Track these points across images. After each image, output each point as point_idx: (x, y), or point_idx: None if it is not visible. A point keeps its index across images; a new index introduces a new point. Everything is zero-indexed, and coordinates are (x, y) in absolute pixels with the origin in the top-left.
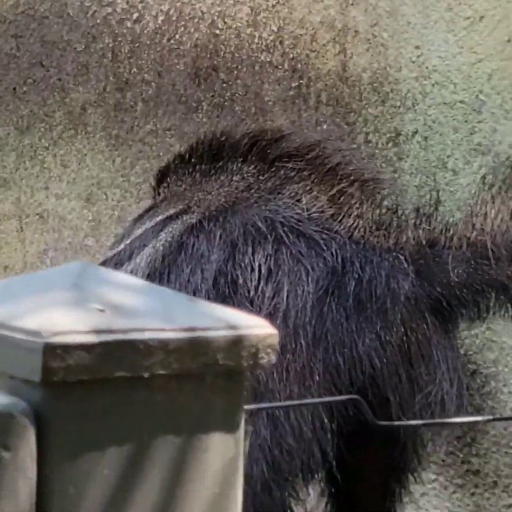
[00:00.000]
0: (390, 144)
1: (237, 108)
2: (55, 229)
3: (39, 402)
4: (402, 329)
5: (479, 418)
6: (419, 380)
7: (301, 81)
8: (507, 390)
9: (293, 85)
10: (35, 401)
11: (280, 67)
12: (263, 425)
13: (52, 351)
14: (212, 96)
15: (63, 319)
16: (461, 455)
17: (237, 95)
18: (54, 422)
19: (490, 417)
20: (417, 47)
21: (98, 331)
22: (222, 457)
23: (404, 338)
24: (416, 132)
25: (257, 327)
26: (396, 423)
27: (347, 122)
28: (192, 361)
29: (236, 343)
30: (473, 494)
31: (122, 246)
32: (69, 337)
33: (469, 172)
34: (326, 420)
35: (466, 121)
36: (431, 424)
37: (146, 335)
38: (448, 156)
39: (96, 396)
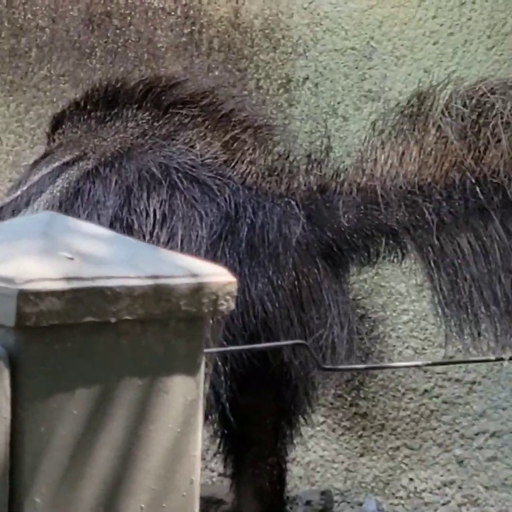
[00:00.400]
0: (281, 91)
1: (130, 54)
2: None
3: (13, 345)
4: (294, 274)
5: (419, 363)
6: (310, 323)
7: (193, 28)
8: (395, 334)
9: (186, 31)
10: (8, 344)
11: (172, 13)
12: None
13: (25, 297)
14: (106, 42)
15: (34, 266)
16: (349, 398)
17: (130, 41)
18: (27, 364)
19: (429, 361)
20: None
21: (68, 278)
22: (183, 399)
23: (296, 282)
24: (307, 78)
25: (217, 275)
26: (340, 367)
27: (238, 68)
28: (156, 307)
29: (198, 290)
30: (360, 436)
31: (19, 192)
32: (41, 284)
33: (359, 118)
34: (219, 363)
35: (356, 68)
36: (373, 368)
37: (113, 282)
38: (338, 103)
39: (66, 340)
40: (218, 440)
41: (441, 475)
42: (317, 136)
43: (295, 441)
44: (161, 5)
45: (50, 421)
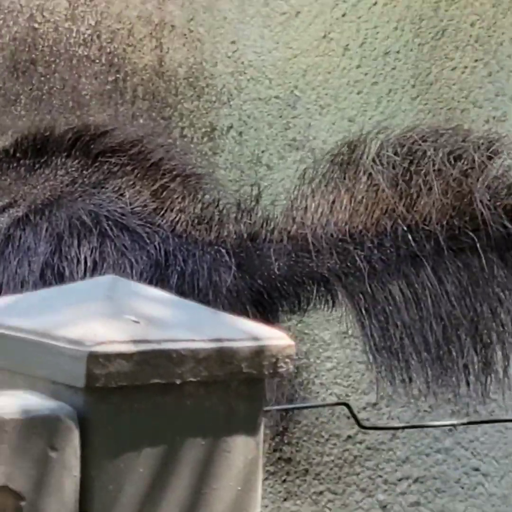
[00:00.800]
0: (205, 139)
1: (55, 102)
2: None
3: (82, 406)
4: None
5: (455, 422)
6: None
7: (118, 75)
8: (318, 381)
9: (110, 79)
10: (78, 405)
11: (97, 61)
12: None
13: (95, 359)
14: (31, 89)
15: (102, 329)
16: (273, 443)
17: (55, 88)
18: (96, 424)
19: (465, 420)
20: (233, 42)
21: (135, 341)
22: (244, 458)
23: None
24: (231, 127)
25: (277, 339)
26: (380, 427)
27: (163, 116)
28: (219, 369)
29: (259, 353)
30: (284, 481)
31: None
32: (110, 346)
33: (284, 167)
34: None
35: (281, 116)
36: (411, 427)
37: (179, 345)
38: (262, 151)
39: (133, 401)
40: None
41: None
42: (242, 185)
43: None
44: (85, 53)
45: (117, 479)
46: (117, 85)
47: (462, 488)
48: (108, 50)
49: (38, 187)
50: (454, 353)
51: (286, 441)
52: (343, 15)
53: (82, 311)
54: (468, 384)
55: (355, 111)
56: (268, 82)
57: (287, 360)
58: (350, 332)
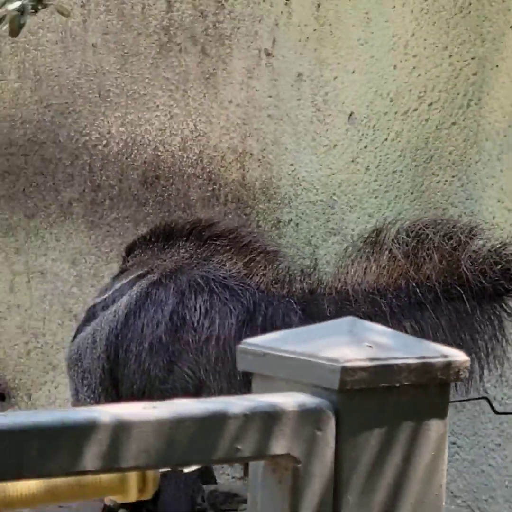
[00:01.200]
0: (273, 228)
1: (172, 204)
2: (51, 281)
3: (336, 401)
4: None
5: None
6: None
7: (214, 186)
8: None
9: (209, 189)
10: (333, 401)
11: (200, 177)
12: None
13: (346, 371)
14: (156, 195)
15: (349, 352)
16: None
17: (172, 195)
18: (345, 414)
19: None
20: (291, 164)
21: (370, 359)
22: (437, 434)
23: None
24: (290, 220)
25: (458, 356)
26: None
27: (244, 213)
28: (422, 376)
29: (447, 366)
30: None
31: (106, 295)
32: (354, 363)
33: (326, 246)
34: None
35: (324, 213)
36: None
37: (398, 361)
38: (311, 236)
39: (369, 399)
40: None
41: None
42: (299, 258)
43: None
44: (192, 171)
45: (358, 450)
46: (214, 193)
47: None
48: (208, 169)
49: (167, 260)
50: None
51: None
52: (365, 147)
53: (334, 340)
54: (455, 387)
55: (373, 210)
56: (315, 191)
57: (464, 369)
58: None
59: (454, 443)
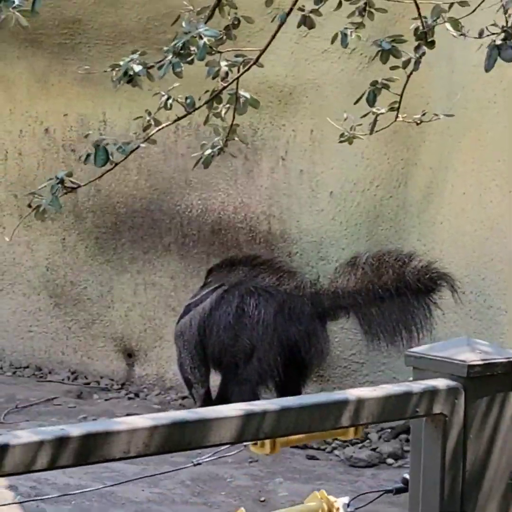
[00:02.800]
0: (287, 257)
1: (228, 244)
2: (159, 289)
3: (464, 384)
4: (306, 323)
5: None
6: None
7: (253, 234)
8: None
9: (250, 235)
10: (463, 383)
11: (244, 228)
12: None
13: (469, 366)
14: (219, 239)
15: (469, 355)
16: None
17: (228, 239)
18: (469, 391)
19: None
20: (297, 221)
21: (481, 359)
22: None
23: (308, 327)
24: (297, 252)
25: None
26: None
27: (271, 249)
28: (508, 368)
29: None
30: None
31: (197, 298)
32: (473, 361)
33: (318, 267)
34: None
35: (316, 248)
36: None
37: (495, 360)
38: (309, 261)
39: (482, 381)
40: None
41: None
42: (309, 274)
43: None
44: (240, 226)
45: (480, 419)
46: (253, 237)
47: None
48: (249, 224)
49: (232, 278)
50: (401, 328)
51: None
52: (339, 210)
53: (460, 349)
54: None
55: (344, 246)
56: (311, 235)
57: None
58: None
59: None
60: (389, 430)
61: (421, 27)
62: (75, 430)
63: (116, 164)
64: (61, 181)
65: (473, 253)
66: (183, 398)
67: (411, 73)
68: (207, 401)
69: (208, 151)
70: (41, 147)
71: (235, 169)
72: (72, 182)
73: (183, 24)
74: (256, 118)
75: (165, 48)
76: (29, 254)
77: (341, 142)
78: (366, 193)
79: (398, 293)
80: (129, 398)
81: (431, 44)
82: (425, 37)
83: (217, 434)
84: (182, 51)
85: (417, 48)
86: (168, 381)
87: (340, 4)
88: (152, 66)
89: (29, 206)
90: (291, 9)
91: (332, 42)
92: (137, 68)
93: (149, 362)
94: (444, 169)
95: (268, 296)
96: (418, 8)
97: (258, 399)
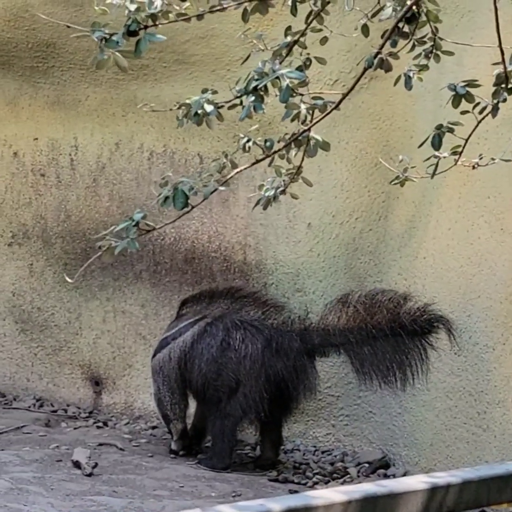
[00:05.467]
0: (262, 288)
1: (202, 273)
2: (128, 317)
3: None
4: (293, 360)
5: None
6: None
7: (227, 263)
8: None
9: (224, 265)
10: None
11: (219, 258)
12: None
13: None
14: (192, 268)
15: None
16: None
17: (202, 268)
18: None
19: None
20: (274, 251)
21: None
22: None
23: (295, 363)
24: (272, 283)
25: None
26: None
27: (245, 279)
28: None
29: None
30: None
31: (174, 330)
32: None
33: (293, 298)
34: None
35: (292, 279)
36: None
37: None
38: (285, 292)
39: None
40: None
41: None
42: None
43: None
44: (214, 255)
45: None
46: (227, 267)
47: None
48: (224, 254)
49: (215, 310)
50: (395, 368)
51: None
52: (317, 242)
53: None
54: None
55: (321, 278)
56: (287, 267)
57: None
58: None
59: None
60: (366, 465)
61: (503, 73)
62: (276, 505)
63: (193, 207)
64: (137, 224)
65: (459, 289)
66: (153, 428)
67: (483, 118)
68: (184, 435)
69: (270, 193)
70: (10, 171)
71: (210, 198)
72: (147, 224)
73: (259, 64)
74: (233, 147)
75: (237, 88)
76: None
77: (394, 184)
78: (345, 225)
79: (393, 333)
80: (98, 427)
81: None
82: (506, 82)
83: (405, 508)
84: (262, 92)
85: (495, 94)
86: (136, 410)
87: (413, 47)
88: (222, 106)
89: (99, 248)
90: (377, 53)
91: (395, 84)
92: (209, 108)
93: (118, 391)
94: (428, 204)
95: (255, 331)
96: (502, 54)
97: (236, 435)
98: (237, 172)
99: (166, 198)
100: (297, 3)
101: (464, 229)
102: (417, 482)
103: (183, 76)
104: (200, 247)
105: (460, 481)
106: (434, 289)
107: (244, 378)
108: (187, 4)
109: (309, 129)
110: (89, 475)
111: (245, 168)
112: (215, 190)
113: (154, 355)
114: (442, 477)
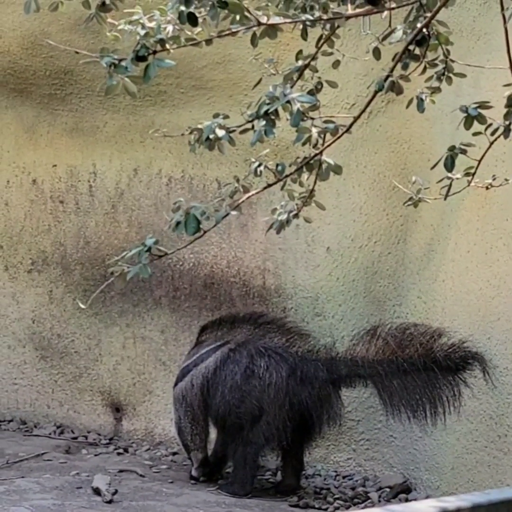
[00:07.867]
0: (281, 313)
1: (221, 298)
2: (148, 343)
3: None
4: (318, 388)
5: None
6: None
7: (246, 288)
8: None
9: (243, 290)
10: None
11: (238, 283)
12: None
13: None
14: (212, 293)
15: None
16: None
17: (221, 293)
18: None
19: None
20: (293, 276)
21: None
22: None
23: (320, 392)
24: (292, 307)
25: None
26: None
27: (265, 304)
28: None
29: None
30: None
31: (194, 358)
32: None
33: (313, 323)
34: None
35: (311, 304)
36: None
37: None
38: (304, 317)
39: None
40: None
41: None
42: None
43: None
44: (233, 280)
45: None
46: (246, 292)
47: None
48: (243, 278)
49: (237, 336)
50: (425, 403)
51: None
52: (336, 266)
53: None
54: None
55: (340, 302)
56: (307, 291)
57: None
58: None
59: None
60: (388, 489)
61: None
62: None
63: (205, 232)
64: (149, 249)
65: (478, 312)
66: (174, 454)
67: (495, 140)
68: (205, 462)
69: (283, 217)
70: (28, 198)
71: (229, 223)
72: (158, 249)
73: (270, 88)
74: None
75: (249, 112)
76: (14, 306)
77: (407, 205)
78: (364, 249)
79: (425, 368)
80: (119, 454)
81: None
82: None
83: None
84: (273, 117)
85: (507, 115)
86: (157, 436)
87: (424, 69)
88: (233, 131)
89: (112, 273)
90: (388, 76)
91: (407, 106)
92: (220, 132)
93: (138, 417)
94: (447, 227)
95: (279, 358)
96: None
97: (258, 462)
98: (248, 197)
99: (178, 223)
100: (308, 28)
101: (483, 251)
102: (427, 506)
103: (201, 102)
104: (219, 272)
105: (470, 505)
106: (453, 312)
107: (267, 406)
108: (198, 29)
109: (321, 153)
110: (109, 502)
111: (257, 192)
112: (227, 214)
113: (175, 384)
114: (451, 502)
